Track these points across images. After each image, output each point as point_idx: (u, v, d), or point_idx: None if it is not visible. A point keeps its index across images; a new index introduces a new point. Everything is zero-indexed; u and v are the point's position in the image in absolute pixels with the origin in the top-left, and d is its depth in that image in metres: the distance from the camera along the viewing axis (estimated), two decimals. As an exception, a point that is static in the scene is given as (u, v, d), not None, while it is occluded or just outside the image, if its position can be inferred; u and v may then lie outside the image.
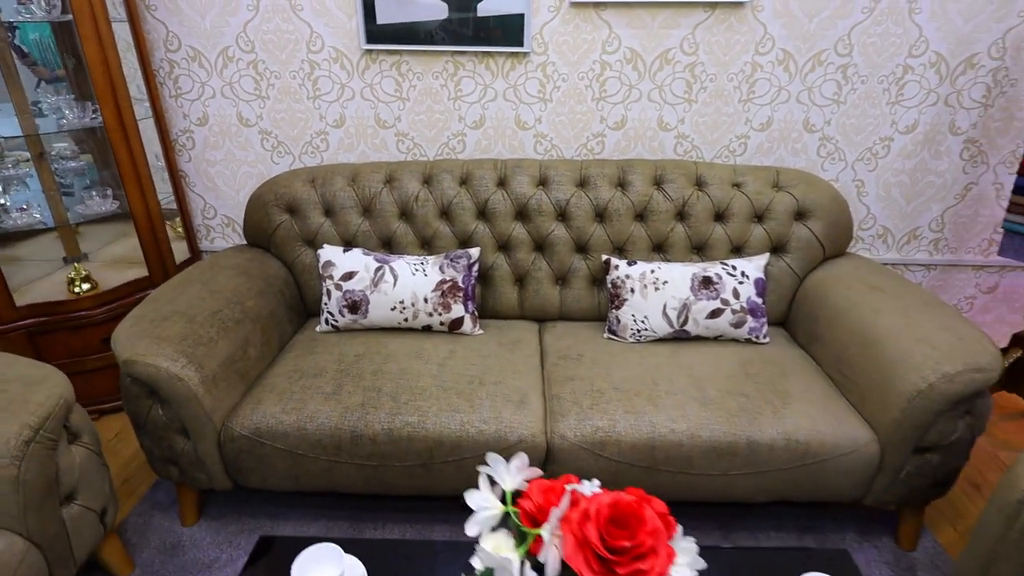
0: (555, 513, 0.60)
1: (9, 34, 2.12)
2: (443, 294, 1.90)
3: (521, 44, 2.13)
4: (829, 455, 1.52)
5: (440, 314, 1.91)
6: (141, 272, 2.30)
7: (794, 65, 2.18)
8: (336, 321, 1.94)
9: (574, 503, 0.61)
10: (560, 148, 2.33)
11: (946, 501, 1.91)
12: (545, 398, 1.68)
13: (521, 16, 2.08)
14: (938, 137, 2.28)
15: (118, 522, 1.79)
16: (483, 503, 0.69)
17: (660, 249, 2.07)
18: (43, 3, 1.92)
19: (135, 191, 2.16)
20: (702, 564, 0.67)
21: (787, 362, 1.80)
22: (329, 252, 1.96)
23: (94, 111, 2.10)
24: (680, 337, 1.91)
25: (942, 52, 2.15)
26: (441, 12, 2.10)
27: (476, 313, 2.00)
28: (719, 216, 2.04)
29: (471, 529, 0.69)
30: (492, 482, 0.73)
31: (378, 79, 2.24)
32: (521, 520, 0.66)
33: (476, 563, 0.69)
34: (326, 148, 2.36)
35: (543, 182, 2.06)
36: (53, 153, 2.33)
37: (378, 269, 1.91)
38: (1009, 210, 2.03)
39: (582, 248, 2.07)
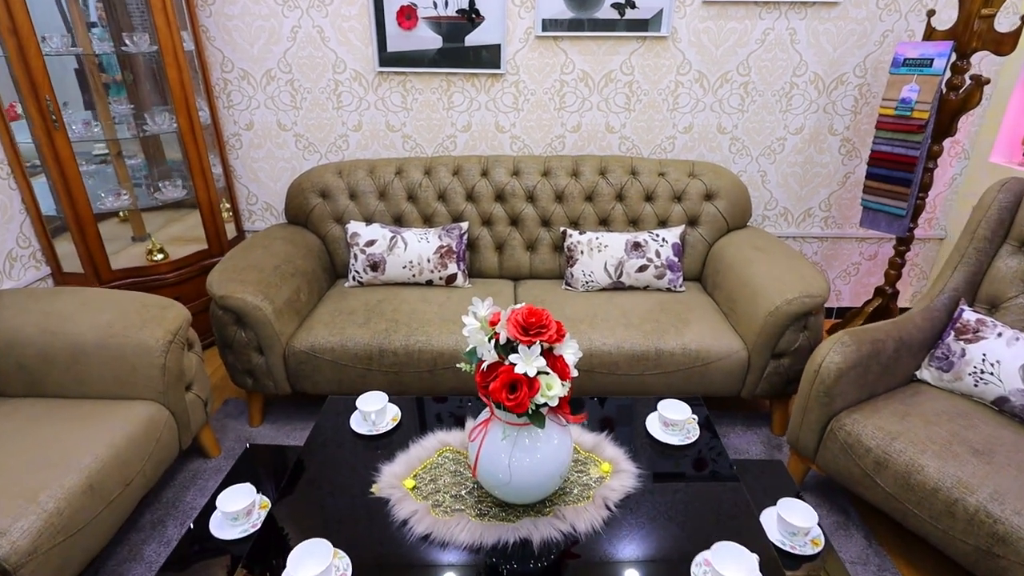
0: (504, 314, 1.26)
1: (98, 58, 2.75)
2: (441, 256, 2.56)
3: (499, 67, 2.79)
4: (713, 358, 2.20)
5: (439, 272, 2.57)
6: (201, 246, 2.93)
7: (707, 82, 2.86)
8: (361, 278, 2.59)
9: (512, 314, 1.26)
10: (530, 147, 2.99)
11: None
12: (516, 326, 2.35)
13: (498, 46, 2.74)
14: (820, 137, 2.97)
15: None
16: (471, 322, 1.34)
17: (604, 223, 2.74)
18: (143, 39, 2.54)
19: (200, 181, 2.80)
20: (579, 353, 1.33)
21: (694, 303, 2.47)
22: (355, 226, 2.62)
23: (172, 120, 2.73)
24: (617, 287, 2.58)
25: (819, 72, 2.84)
26: (437, 43, 2.75)
27: (466, 272, 2.66)
28: (648, 198, 2.72)
29: (466, 331, 1.34)
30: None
31: (388, 93, 2.89)
32: (488, 325, 1.32)
33: (467, 346, 1.34)
34: (346, 148, 3.01)
35: (516, 172, 2.73)
36: (126, 155, 2.96)
37: (392, 238, 2.57)
38: (864, 191, 2.72)
39: (546, 223, 2.74)
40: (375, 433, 1.67)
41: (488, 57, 2.77)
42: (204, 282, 2.79)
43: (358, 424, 1.69)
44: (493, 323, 1.29)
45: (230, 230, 3.11)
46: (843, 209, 3.13)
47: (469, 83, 2.86)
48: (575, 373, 1.28)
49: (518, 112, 2.91)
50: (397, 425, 1.73)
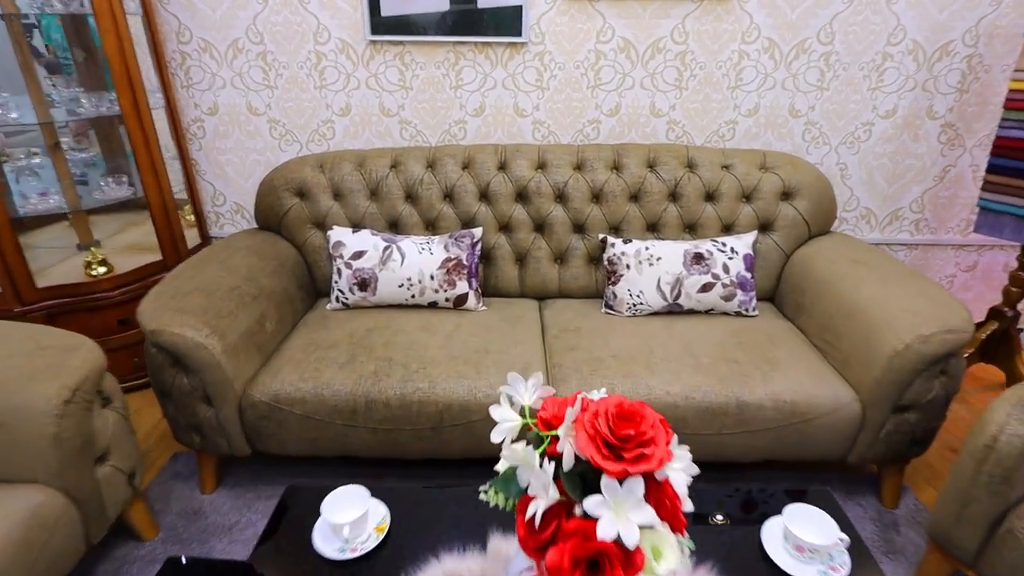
0: (569, 414, 0.70)
1: (27, 33, 2.20)
2: (448, 271, 2.00)
3: (519, 34, 2.22)
4: (815, 414, 1.63)
5: (445, 290, 2.01)
6: (155, 256, 2.38)
7: (779, 53, 2.29)
8: (346, 298, 2.03)
9: (584, 407, 0.71)
10: (557, 135, 2.43)
11: (925, 463, 2.02)
12: (547, 366, 1.78)
13: (519, 7, 2.18)
14: (917, 121, 2.40)
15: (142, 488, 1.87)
16: (505, 416, 0.78)
17: (654, 228, 2.17)
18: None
19: (150, 178, 2.25)
20: (695, 470, 0.77)
21: (775, 332, 1.90)
22: (339, 233, 2.06)
23: (111, 100, 2.18)
24: (673, 311, 2.02)
25: (919, 40, 2.26)
26: (443, 4, 2.19)
27: (479, 290, 2.10)
28: (709, 196, 2.15)
29: (496, 437, 0.79)
30: (511, 403, 0.83)
31: (382, 69, 2.33)
32: (539, 427, 0.76)
33: (500, 466, 0.78)
34: (332, 136, 2.45)
35: (542, 166, 2.16)
36: (65, 144, 2.41)
37: (386, 248, 2.01)
38: (983, 188, 2.14)
39: (579, 228, 2.17)
40: (349, 557, 1.11)
41: (506, 22, 2.21)
42: (152, 303, 2.23)
43: (325, 539, 1.13)
44: (548, 421, 0.72)
45: (193, 237, 2.56)
46: (939, 210, 2.55)
47: (482, 55, 2.30)
48: (689, 506, 0.72)
49: (543, 92, 2.35)
50: (384, 538, 1.16)
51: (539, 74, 2.33)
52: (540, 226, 2.18)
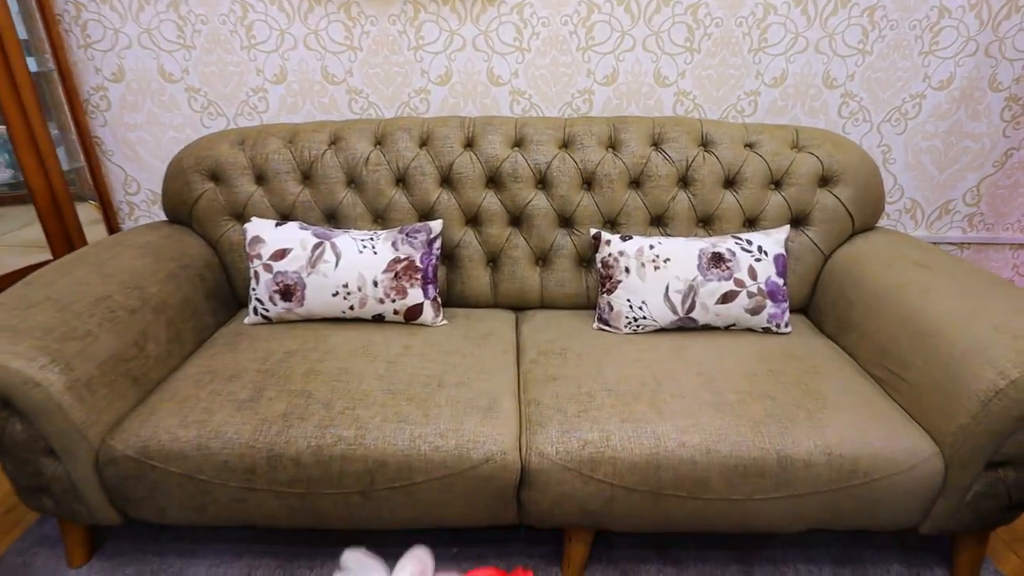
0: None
1: None
2: (397, 276, 1.55)
3: (492, -21, 1.78)
4: (882, 473, 1.19)
5: (394, 300, 1.56)
6: (43, 256, 1.93)
7: (813, 7, 1.85)
8: (267, 310, 1.58)
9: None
10: (540, 107, 1.98)
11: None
12: (520, 403, 1.34)
13: (492, -56, 1.74)
14: (977, 93, 1.97)
15: (-14, 564, 1.42)
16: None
17: (659, 222, 1.73)
18: None
19: (31, 158, 1.79)
20: None
21: (816, 356, 1.47)
22: (257, 226, 1.61)
23: (-28, 58, 1.72)
24: (685, 327, 1.58)
25: (986, -9, 1.83)
26: (395, -61, 1.74)
27: (439, 300, 1.65)
28: (729, 182, 1.71)
29: None
30: None
31: (324, 24, 1.88)
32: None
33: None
34: (265, 109, 2.00)
35: (519, 143, 1.72)
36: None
37: (317, 246, 1.56)
38: (1071, 173, 1.71)
39: (566, 221, 1.73)
40: None
41: (476, -37, 1.76)
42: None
43: None
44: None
45: (99, 232, 2.10)
46: (997, 202, 2.12)
47: (447, 7, 1.85)
48: None
49: (523, 54, 1.91)
50: None
51: (518, 31, 1.88)
52: (517, 218, 1.73)
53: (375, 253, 1.56)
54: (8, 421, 1.19)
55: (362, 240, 1.58)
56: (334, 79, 1.96)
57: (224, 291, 1.72)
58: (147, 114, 2.02)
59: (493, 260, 1.76)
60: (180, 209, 1.74)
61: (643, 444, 1.20)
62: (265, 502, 1.23)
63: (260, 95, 1.98)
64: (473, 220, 1.74)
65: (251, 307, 1.61)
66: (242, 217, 1.73)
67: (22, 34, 1.86)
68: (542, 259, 1.76)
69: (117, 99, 2.00)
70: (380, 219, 1.74)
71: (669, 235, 1.72)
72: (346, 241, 1.58)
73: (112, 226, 2.14)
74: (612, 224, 1.73)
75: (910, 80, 1.95)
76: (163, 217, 2.16)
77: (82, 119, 1.99)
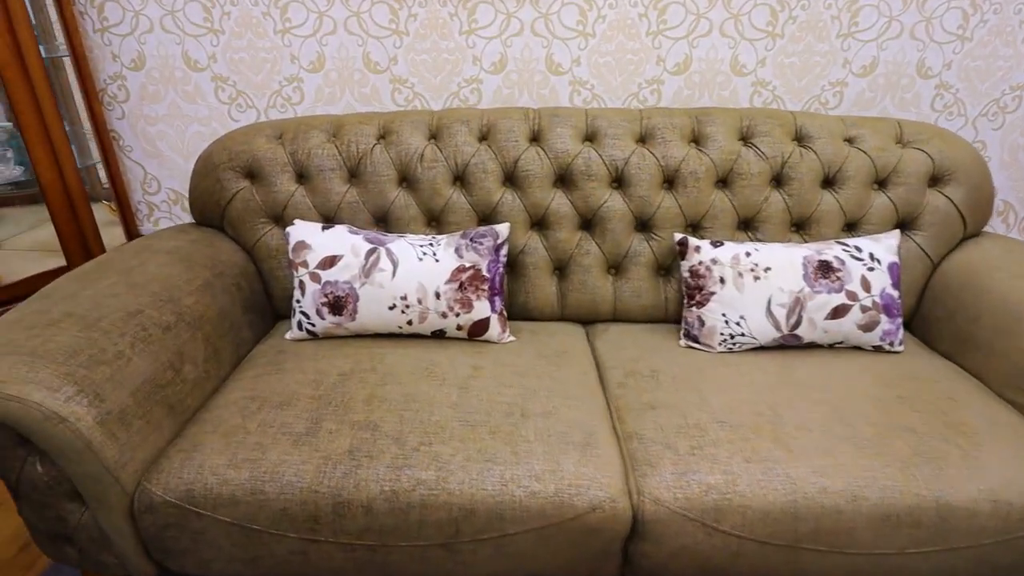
0: None
1: None
2: (462, 286, 1.36)
3: (559, -45, 1.60)
4: (1058, 524, 1.01)
5: (458, 315, 1.37)
6: (58, 262, 1.74)
7: (912, -13, 1.67)
8: (312, 324, 1.40)
9: None
10: (603, 99, 1.80)
11: None
12: (619, 437, 1.15)
13: (560, -85, 1.55)
14: (1085, 84, 1.79)
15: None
16: None
17: (748, 226, 1.55)
18: None
19: (44, 154, 1.61)
20: None
21: (942, 379, 1.29)
22: (302, 230, 1.42)
23: (-21, 40, 1.54)
24: (787, 344, 1.39)
25: (1103, -30, 1.65)
26: (453, -91, 1.56)
27: (505, 313, 1.47)
28: (828, 181, 1.53)
29: None
30: None
31: (367, 5, 1.70)
32: None
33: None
34: (300, 100, 1.82)
35: (591, 137, 1.54)
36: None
37: (371, 252, 1.37)
38: None
39: (644, 225, 1.55)
40: None
41: (540, -63, 1.58)
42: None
43: None
44: None
45: (117, 236, 1.92)
46: (1098, 204, 1.94)
47: (506, -14, 1.67)
48: None
49: (586, 39, 1.72)
50: None
51: (582, 14, 1.70)
52: (588, 221, 1.55)
53: (437, 261, 1.37)
54: (26, 462, 1.00)
55: (421, 246, 1.40)
56: (377, 67, 1.77)
57: (261, 302, 1.54)
58: (169, 105, 1.83)
59: (560, 268, 1.58)
60: (211, 210, 1.56)
61: (776, 490, 1.01)
62: (329, 555, 1.05)
63: (295, 85, 1.80)
64: (540, 223, 1.56)
65: (295, 321, 1.42)
66: (281, 219, 1.54)
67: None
68: (615, 267, 1.57)
69: (136, 89, 1.81)
70: (435, 222, 1.56)
71: (759, 240, 1.54)
72: (403, 247, 1.39)
73: (130, 229, 1.95)
74: (695, 228, 1.55)
75: (1012, 70, 1.77)
76: (186, 219, 1.98)
77: (98, 111, 1.81)
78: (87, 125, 1.84)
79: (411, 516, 1.01)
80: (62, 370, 0.98)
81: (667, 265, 1.56)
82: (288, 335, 1.45)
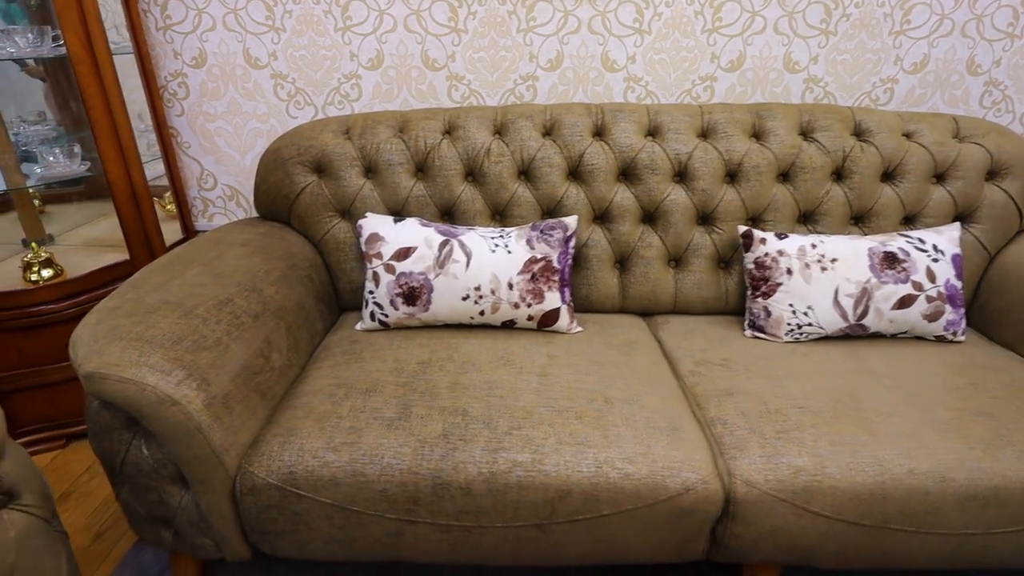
0: None
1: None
2: (534, 277, 1.39)
3: (619, -47, 1.62)
4: None
5: (529, 305, 1.40)
6: (120, 255, 1.77)
7: (964, -15, 1.70)
8: (386, 315, 1.42)
9: None
10: (657, 95, 1.83)
11: None
12: (700, 423, 1.18)
13: (621, -86, 1.58)
14: None
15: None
16: None
17: (808, 219, 1.57)
18: None
19: (111, 147, 1.64)
20: None
21: (1009, 368, 1.31)
22: (375, 222, 1.45)
23: (55, 38, 1.57)
24: (852, 334, 1.42)
25: None
26: (516, -91, 1.59)
27: (572, 304, 1.49)
28: (887, 175, 1.55)
29: None
30: None
31: (427, 3, 1.73)
32: None
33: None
34: (358, 97, 1.85)
35: (653, 132, 1.56)
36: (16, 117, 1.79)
37: (444, 244, 1.40)
38: None
39: (705, 218, 1.57)
40: None
41: (600, -64, 1.61)
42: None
43: None
44: None
45: (173, 231, 1.94)
46: None
47: (564, -16, 1.70)
48: None
49: (641, 36, 1.75)
50: None
51: (638, 12, 1.73)
52: (650, 215, 1.58)
53: (509, 252, 1.40)
54: (132, 445, 1.03)
55: (492, 238, 1.42)
56: (435, 64, 1.80)
57: (328, 294, 1.57)
58: (229, 103, 1.86)
59: (622, 261, 1.60)
60: (279, 204, 1.59)
61: (864, 472, 1.03)
62: (425, 536, 1.07)
63: (353, 82, 1.83)
64: (602, 217, 1.58)
65: (367, 312, 1.45)
66: (349, 213, 1.57)
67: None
68: (676, 259, 1.60)
69: (196, 87, 1.85)
70: (499, 215, 1.58)
71: (819, 232, 1.56)
72: (474, 239, 1.42)
73: (187, 224, 1.98)
74: (755, 221, 1.57)
75: (1060, 66, 1.79)
76: (240, 215, 2.01)
77: (160, 108, 1.84)
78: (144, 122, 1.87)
79: (508, 497, 1.03)
80: (170, 355, 1.01)
81: (728, 257, 1.58)
82: (359, 326, 1.48)
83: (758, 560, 1.11)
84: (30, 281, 1.65)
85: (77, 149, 1.70)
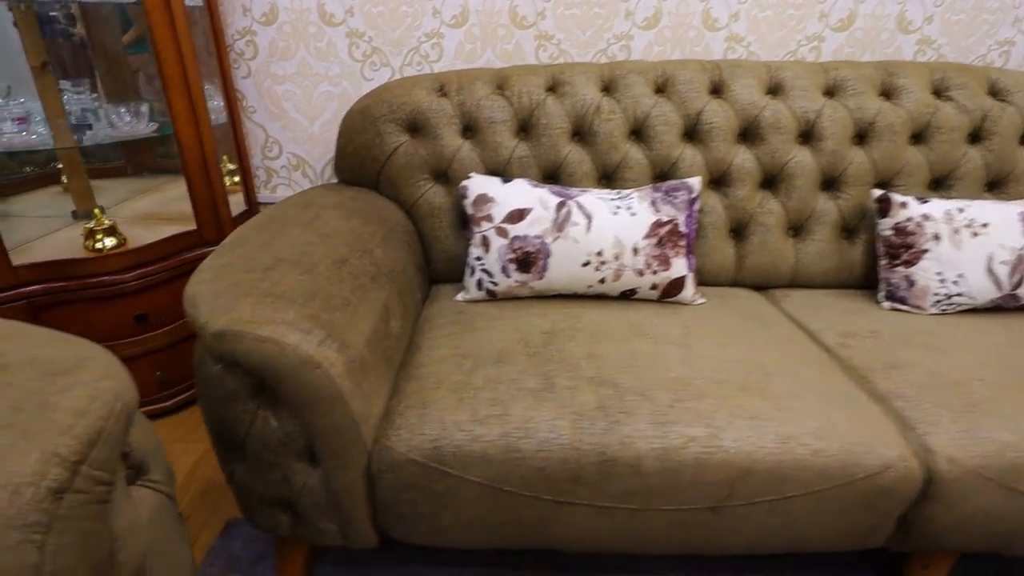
0: None
1: None
2: (660, 242, 1.27)
3: (734, -102, 1.51)
4: None
5: (654, 272, 1.28)
6: (186, 226, 1.65)
7: (1097, -62, 1.58)
8: (495, 283, 1.30)
9: None
10: (759, 55, 1.71)
11: None
12: (872, 396, 1.06)
13: None
14: None
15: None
16: None
17: (940, 184, 1.46)
18: None
19: (183, 105, 1.51)
20: None
21: None
22: (482, 183, 1.33)
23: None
24: (1003, 306, 1.30)
25: None
26: None
27: (695, 272, 1.38)
28: (1026, 137, 1.44)
29: None
30: None
31: (520, -45, 1.61)
32: None
33: None
34: (438, 57, 1.73)
35: (774, 89, 1.45)
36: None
37: (561, 206, 1.28)
38: None
39: (830, 183, 1.46)
40: None
41: None
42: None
43: None
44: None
45: (236, 202, 1.82)
46: None
47: (669, -66, 1.58)
48: None
49: (747, -8, 1.63)
50: None
51: (746, -34, 1.61)
52: (771, 179, 1.46)
53: (633, 215, 1.28)
54: (257, 416, 0.91)
55: (612, 199, 1.31)
56: (523, 22, 1.68)
57: (423, 263, 1.45)
58: (299, 63, 1.74)
59: (737, 229, 1.49)
60: (367, 167, 1.47)
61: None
62: (582, 521, 0.95)
63: (434, 41, 1.71)
64: (718, 181, 1.46)
65: (473, 280, 1.33)
66: (445, 177, 1.45)
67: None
68: (796, 228, 1.49)
69: (265, 46, 1.72)
70: (607, 178, 1.47)
71: (952, 197, 1.45)
72: (592, 200, 1.30)
73: (250, 195, 1.86)
74: (885, 186, 1.46)
75: None
76: (304, 185, 1.89)
77: (227, 69, 1.71)
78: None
79: (683, 476, 0.92)
80: (305, 312, 0.89)
81: (853, 226, 1.47)
82: (460, 296, 1.36)
83: (948, 547, 0.99)
84: (93, 250, 1.53)
85: (144, 108, 1.57)
